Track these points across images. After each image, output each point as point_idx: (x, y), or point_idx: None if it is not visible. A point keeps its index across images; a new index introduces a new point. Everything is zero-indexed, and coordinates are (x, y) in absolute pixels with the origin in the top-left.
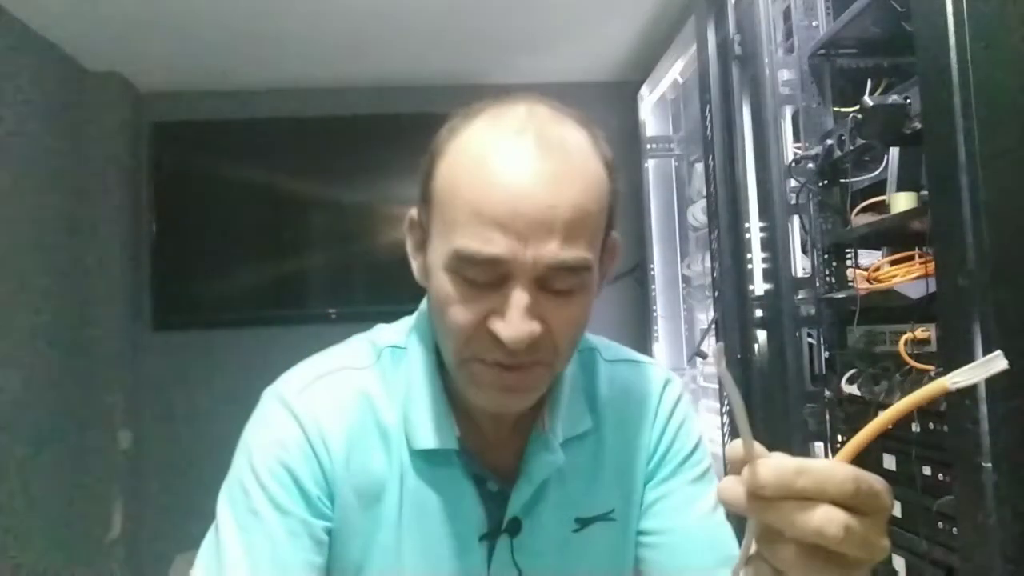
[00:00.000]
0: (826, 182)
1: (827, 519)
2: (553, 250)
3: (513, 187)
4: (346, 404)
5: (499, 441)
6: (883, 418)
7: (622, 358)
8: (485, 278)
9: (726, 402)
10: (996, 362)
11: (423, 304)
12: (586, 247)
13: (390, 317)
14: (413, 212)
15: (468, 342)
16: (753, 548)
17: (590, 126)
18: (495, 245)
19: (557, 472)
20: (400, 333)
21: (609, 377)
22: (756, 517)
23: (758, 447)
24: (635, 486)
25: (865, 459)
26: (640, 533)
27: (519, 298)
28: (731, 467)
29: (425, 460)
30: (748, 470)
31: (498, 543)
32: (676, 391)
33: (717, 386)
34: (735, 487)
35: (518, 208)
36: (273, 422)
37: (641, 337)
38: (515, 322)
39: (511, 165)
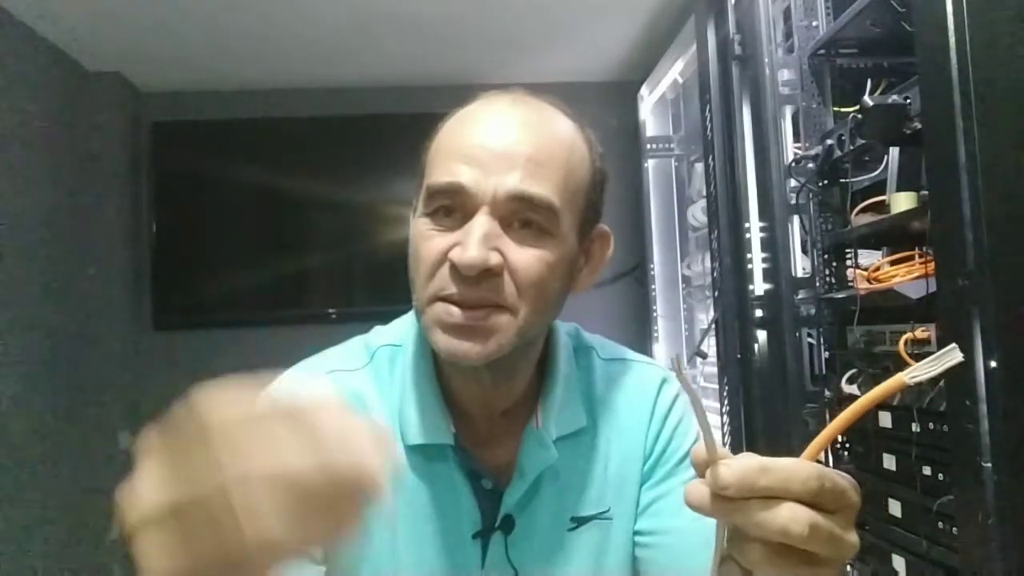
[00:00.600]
0: (826, 182)
1: (792, 518)
2: (514, 180)
3: (482, 128)
4: None
5: (494, 438)
6: (845, 416)
7: (619, 357)
8: (450, 213)
9: (726, 402)
10: (951, 355)
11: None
12: (551, 189)
13: (390, 317)
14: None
15: (431, 278)
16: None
17: (577, 119)
18: (459, 174)
19: (552, 470)
20: (396, 331)
21: (605, 376)
22: (722, 518)
23: (721, 448)
24: (631, 486)
25: (866, 459)
26: (638, 533)
27: (477, 224)
28: (697, 469)
29: (419, 456)
30: (711, 472)
31: (492, 541)
32: (673, 390)
33: (717, 386)
34: (700, 489)
35: (483, 142)
36: None
37: (641, 337)
38: (471, 247)
39: (485, 115)
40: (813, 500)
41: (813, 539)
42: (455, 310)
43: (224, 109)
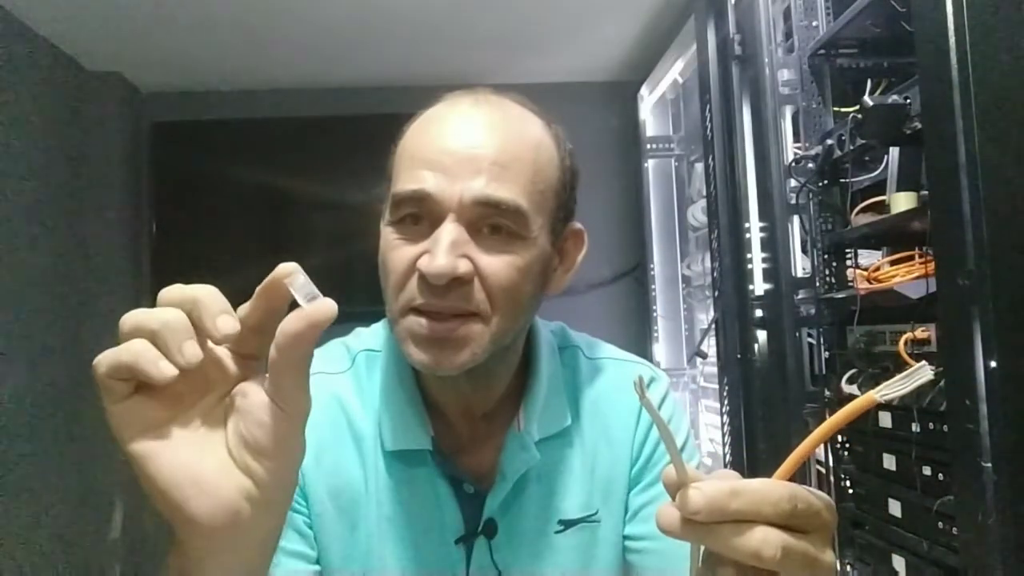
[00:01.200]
0: (826, 182)
1: (763, 541)
2: (479, 185)
3: (445, 132)
4: (317, 408)
5: (475, 442)
6: (817, 434)
7: (605, 356)
8: (417, 221)
9: (726, 402)
10: (921, 372)
11: None
12: (518, 192)
13: None
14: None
15: (401, 289)
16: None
17: (546, 116)
18: (423, 181)
19: (536, 472)
20: (375, 336)
21: (591, 376)
22: (694, 542)
23: (692, 471)
24: (618, 488)
25: (866, 459)
26: (628, 538)
27: (445, 232)
28: (668, 491)
29: (400, 462)
30: (680, 495)
31: (475, 545)
32: (660, 390)
33: (718, 386)
34: (671, 512)
35: (447, 146)
36: None
37: (641, 337)
38: (439, 255)
39: (447, 118)
40: (786, 522)
41: (786, 561)
42: (425, 322)
43: (224, 109)
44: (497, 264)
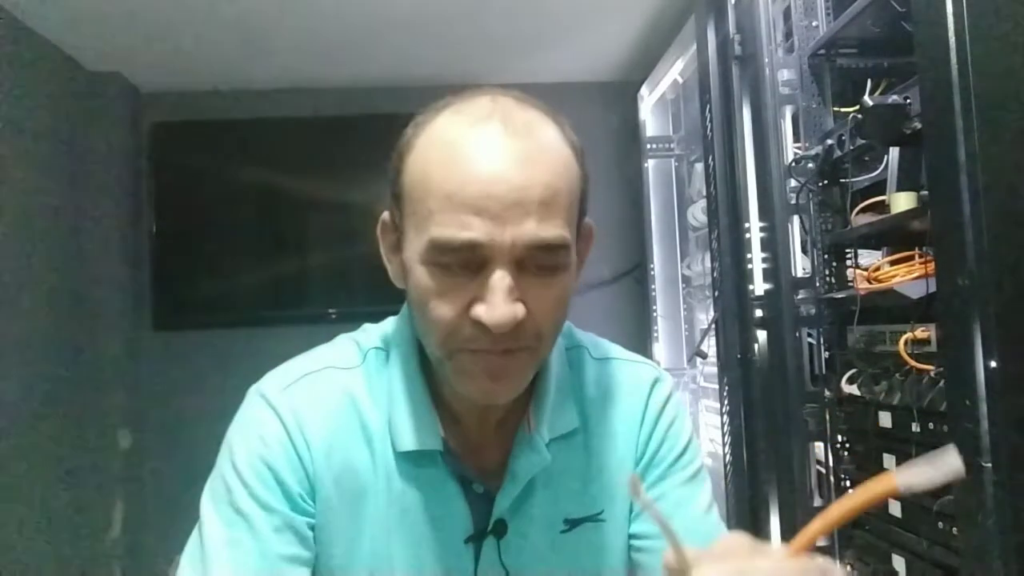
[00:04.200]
0: (826, 182)
1: None
2: (531, 229)
3: (485, 171)
4: (329, 402)
5: (485, 442)
6: (834, 514)
7: (610, 356)
8: (464, 265)
9: (726, 402)
10: (949, 462)
11: (405, 306)
12: (562, 225)
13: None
14: (385, 215)
15: (452, 334)
16: None
17: (555, 115)
18: (472, 229)
19: (544, 472)
20: (387, 334)
21: (596, 376)
22: None
23: (691, 554)
24: (623, 488)
25: (866, 459)
26: (634, 537)
27: (500, 280)
28: None
29: (410, 462)
30: None
31: (484, 545)
32: (665, 390)
33: (717, 386)
34: None
35: (491, 191)
36: (255, 419)
37: (641, 337)
38: (499, 305)
39: (480, 150)
40: None
41: None
42: (484, 359)
43: (224, 109)
44: (546, 300)
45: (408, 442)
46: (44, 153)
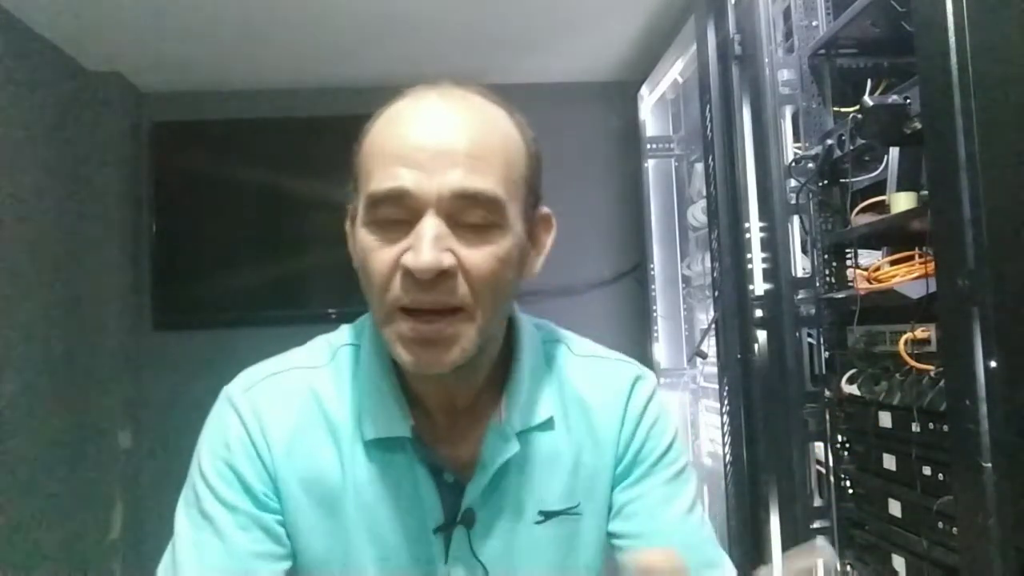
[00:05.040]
0: (826, 182)
1: None
2: (457, 177)
3: (416, 129)
4: (290, 400)
5: (456, 433)
6: None
7: (592, 354)
8: (396, 216)
9: (726, 402)
10: (820, 551)
11: None
12: (494, 183)
13: None
14: (351, 207)
15: (386, 289)
16: None
17: (510, 107)
18: (399, 178)
19: (516, 463)
20: (357, 331)
21: (577, 371)
22: None
23: None
24: (602, 484)
25: (866, 459)
26: (614, 535)
27: (427, 228)
28: None
29: (378, 450)
30: None
31: (454, 535)
32: (647, 389)
33: (717, 386)
34: None
35: (419, 142)
36: (220, 422)
37: (641, 337)
38: (424, 251)
39: (416, 114)
40: None
41: None
42: (413, 323)
43: (224, 109)
44: (479, 256)
45: (376, 430)
46: (44, 153)
